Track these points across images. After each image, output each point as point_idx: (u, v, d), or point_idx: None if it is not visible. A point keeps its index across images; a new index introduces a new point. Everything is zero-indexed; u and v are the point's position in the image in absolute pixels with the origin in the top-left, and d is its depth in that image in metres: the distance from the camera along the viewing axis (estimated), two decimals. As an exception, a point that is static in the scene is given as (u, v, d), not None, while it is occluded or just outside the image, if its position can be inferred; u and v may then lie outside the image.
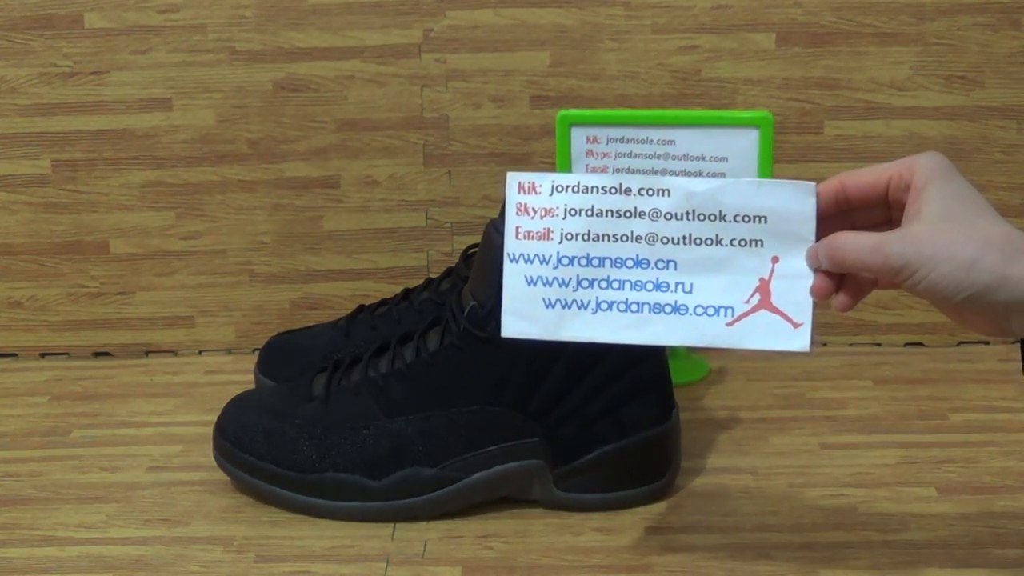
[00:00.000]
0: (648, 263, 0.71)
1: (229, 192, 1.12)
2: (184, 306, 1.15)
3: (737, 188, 0.69)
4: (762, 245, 0.70)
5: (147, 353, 1.16)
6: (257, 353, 1.06)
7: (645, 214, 0.70)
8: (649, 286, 0.71)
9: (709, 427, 0.98)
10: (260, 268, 1.14)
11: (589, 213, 0.71)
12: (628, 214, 0.70)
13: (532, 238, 0.71)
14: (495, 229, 0.82)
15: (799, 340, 0.69)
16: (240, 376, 1.08)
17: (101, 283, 1.15)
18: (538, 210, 0.71)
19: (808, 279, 0.69)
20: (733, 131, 1.03)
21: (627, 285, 0.71)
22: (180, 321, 1.15)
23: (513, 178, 0.72)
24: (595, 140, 1.05)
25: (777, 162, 1.05)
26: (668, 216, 0.70)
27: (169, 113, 1.11)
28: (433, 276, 1.06)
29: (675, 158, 1.04)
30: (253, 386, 1.02)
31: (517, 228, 0.72)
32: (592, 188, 0.71)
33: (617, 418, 0.85)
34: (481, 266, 0.85)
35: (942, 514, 0.84)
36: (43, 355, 1.16)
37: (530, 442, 0.85)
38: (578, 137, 1.05)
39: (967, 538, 0.81)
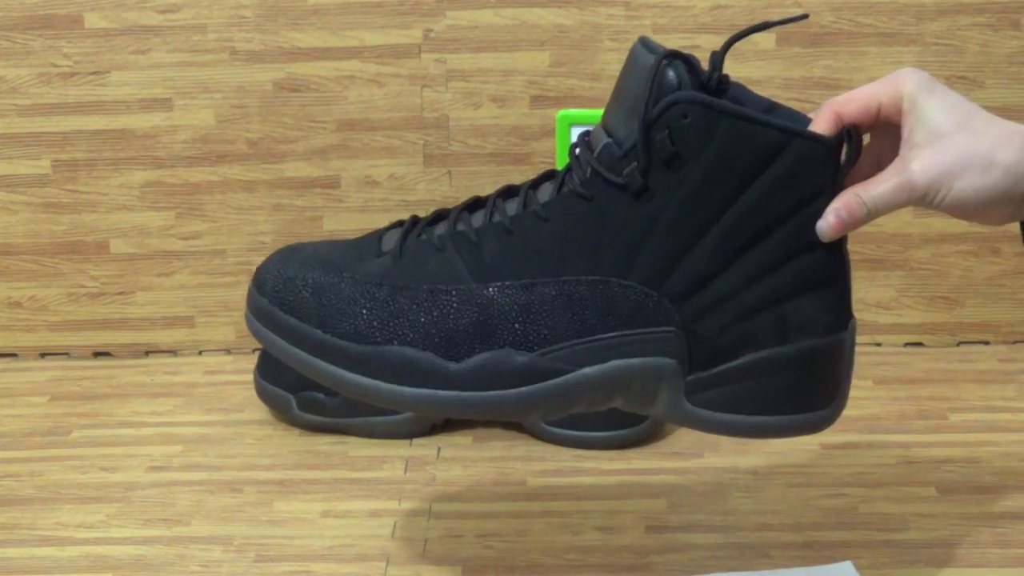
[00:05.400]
0: None
1: (229, 192, 1.12)
2: (184, 306, 1.15)
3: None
4: None
5: (147, 353, 1.16)
6: (257, 353, 1.06)
7: None
8: None
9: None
10: (260, 268, 1.14)
11: None
12: None
13: None
14: (644, 44, 0.65)
15: None
16: (240, 376, 1.08)
17: (101, 283, 1.15)
18: None
19: None
20: (733, 131, 1.03)
21: None
22: (180, 321, 1.15)
23: None
24: (595, 140, 1.05)
25: (777, 162, 1.05)
26: None
27: (169, 113, 1.11)
28: (433, 276, 1.06)
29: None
30: (253, 387, 1.01)
31: None
32: None
33: (779, 316, 0.66)
34: (620, 92, 0.66)
35: (942, 514, 0.84)
36: (43, 355, 1.16)
37: (663, 332, 0.66)
38: (578, 137, 1.05)
39: (967, 538, 0.81)
